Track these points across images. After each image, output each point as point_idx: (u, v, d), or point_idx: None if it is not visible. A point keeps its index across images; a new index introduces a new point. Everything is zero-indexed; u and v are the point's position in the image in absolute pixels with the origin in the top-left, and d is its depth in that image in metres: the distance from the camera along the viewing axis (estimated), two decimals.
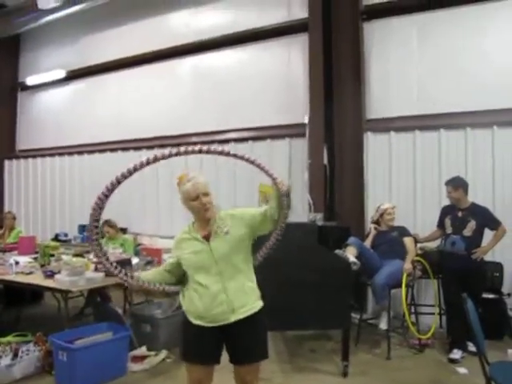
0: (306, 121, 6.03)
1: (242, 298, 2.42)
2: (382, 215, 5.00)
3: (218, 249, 2.41)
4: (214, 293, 2.37)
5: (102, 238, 6.38)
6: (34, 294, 6.07)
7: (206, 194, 2.44)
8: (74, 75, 8.95)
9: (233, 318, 2.38)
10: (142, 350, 4.36)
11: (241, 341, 2.44)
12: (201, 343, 2.44)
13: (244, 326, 2.41)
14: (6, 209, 9.39)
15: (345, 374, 3.98)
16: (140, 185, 7.99)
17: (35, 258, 5.23)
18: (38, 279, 4.50)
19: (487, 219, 4.49)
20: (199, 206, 2.43)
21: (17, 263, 4.87)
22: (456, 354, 4.31)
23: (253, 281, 2.51)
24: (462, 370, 4.06)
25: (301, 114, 6.17)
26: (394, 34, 5.97)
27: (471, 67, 5.47)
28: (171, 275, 2.59)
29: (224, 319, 2.38)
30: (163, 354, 4.37)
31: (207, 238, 2.45)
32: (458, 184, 4.55)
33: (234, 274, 2.41)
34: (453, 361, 4.27)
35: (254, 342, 2.46)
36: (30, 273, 4.71)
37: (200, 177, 2.51)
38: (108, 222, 5.88)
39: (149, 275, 2.64)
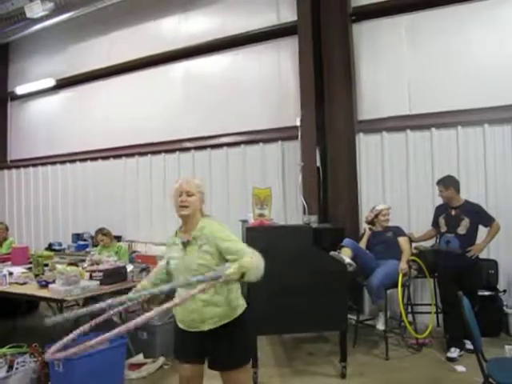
0: (298, 123, 6.04)
1: (212, 309, 2.40)
2: (377, 216, 5.01)
3: (189, 258, 2.43)
4: (190, 303, 2.37)
5: (96, 246, 6.37)
6: (29, 304, 6.03)
7: (190, 194, 2.46)
8: (63, 83, 8.93)
9: (205, 327, 2.42)
10: (139, 358, 4.34)
11: (216, 348, 2.44)
12: (184, 344, 2.51)
13: (219, 334, 2.41)
14: None
15: (343, 376, 3.97)
16: (134, 193, 7.99)
17: (29, 268, 5.19)
18: (32, 289, 4.46)
19: (481, 216, 4.50)
20: (177, 201, 2.47)
21: (10, 274, 4.83)
22: (454, 352, 4.32)
23: (223, 294, 2.42)
24: (460, 368, 4.07)
25: (293, 117, 6.18)
26: (383, 34, 6.01)
27: (461, 66, 5.51)
28: (168, 276, 2.61)
29: (196, 327, 2.44)
30: (160, 360, 4.35)
31: (186, 244, 2.46)
32: (448, 183, 4.57)
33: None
34: (451, 359, 4.27)
35: (228, 350, 2.42)
36: (25, 283, 4.67)
37: (192, 179, 2.56)
38: (102, 231, 5.86)
39: (148, 280, 2.66)
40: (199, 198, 2.52)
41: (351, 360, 4.19)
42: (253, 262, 2.25)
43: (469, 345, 4.29)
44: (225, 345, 2.42)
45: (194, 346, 2.47)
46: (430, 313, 5.05)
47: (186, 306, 2.38)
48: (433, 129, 5.62)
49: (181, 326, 2.51)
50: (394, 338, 4.86)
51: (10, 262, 5.70)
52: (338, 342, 4.15)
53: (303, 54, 6.09)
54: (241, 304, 2.51)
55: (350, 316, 4.70)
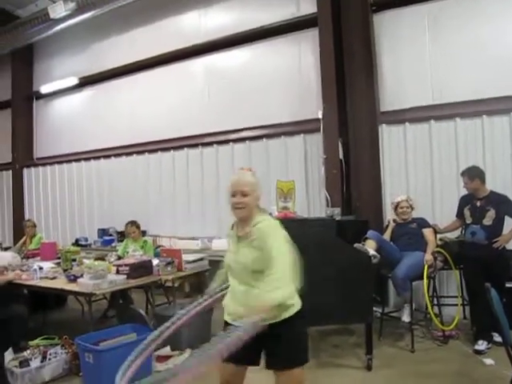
0: (320, 116, 6.02)
1: None
2: (396, 208, 4.98)
3: (242, 253, 2.38)
4: (239, 296, 2.36)
5: (121, 241, 6.48)
6: (58, 298, 6.17)
7: (245, 194, 2.35)
8: (86, 81, 9.07)
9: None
10: (166, 350, 4.40)
11: (276, 345, 2.31)
12: None
13: (279, 330, 2.28)
14: (27, 216, 9.56)
15: (369, 368, 3.97)
16: (157, 188, 8.09)
17: (58, 264, 5.32)
18: (61, 284, 4.59)
19: (507, 207, 4.42)
20: (232, 203, 2.38)
21: (40, 269, 4.96)
22: (481, 345, 4.26)
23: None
24: (489, 361, 4.01)
25: (314, 110, 6.16)
26: (405, 24, 5.92)
27: (485, 53, 5.39)
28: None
29: (240, 318, 2.26)
30: (187, 353, 4.41)
31: (242, 238, 2.40)
32: (473, 174, 4.49)
33: (256, 281, 2.31)
34: (478, 352, 4.21)
35: (289, 347, 2.33)
36: (54, 278, 4.80)
37: (248, 175, 2.43)
38: (135, 223, 5.97)
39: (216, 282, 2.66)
40: (255, 196, 2.39)
41: (377, 352, 4.18)
42: (275, 299, 2.14)
43: (497, 337, 4.23)
44: (285, 341, 2.31)
45: (249, 345, 2.18)
46: (456, 305, 4.99)
47: (238, 298, 2.36)
48: (457, 118, 5.53)
49: (226, 317, 2.43)
50: (420, 330, 4.83)
51: (39, 258, 5.86)
52: (363, 334, 4.16)
53: (324, 45, 6.06)
54: (297, 300, 2.41)
55: (375, 308, 4.68)
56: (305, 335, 2.49)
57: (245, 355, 2.24)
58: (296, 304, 2.40)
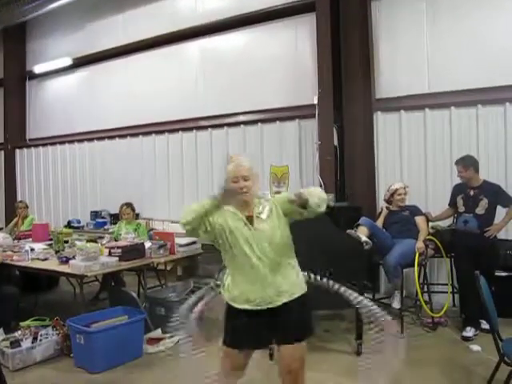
0: (315, 101, 5.99)
1: (287, 281, 2.42)
2: (392, 195, 4.99)
3: (264, 229, 2.40)
4: (263, 278, 2.36)
5: (115, 223, 6.48)
6: (50, 280, 6.17)
7: (247, 179, 2.41)
8: (80, 62, 8.94)
9: (280, 301, 2.37)
10: (158, 333, 4.43)
11: (288, 321, 2.40)
12: (246, 330, 2.41)
13: (292, 306, 2.40)
14: (19, 198, 9.51)
15: (358, 353, 4.02)
16: (151, 171, 8.06)
17: (50, 245, 5.31)
18: (53, 265, 4.59)
19: (499, 197, 4.45)
20: (236, 188, 2.40)
21: (32, 250, 4.95)
22: (469, 331, 4.32)
23: (294, 266, 2.52)
24: (475, 348, 4.07)
25: (310, 95, 6.11)
26: (403, 11, 5.87)
27: (482, 43, 5.36)
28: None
29: (270, 303, 2.37)
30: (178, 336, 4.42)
31: (250, 220, 2.43)
32: (467, 163, 4.50)
33: (277, 257, 2.40)
34: (466, 338, 4.28)
35: (300, 322, 2.45)
36: (45, 259, 4.80)
37: (245, 160, 2.49)
38: (130, 205, 5.97)
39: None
40: (254, 179, 2.47)
41: (366, 338, 4.21)
42: (314, 190, 2.37)
43: (484, 324, 4.30)
44: (297, 316, 2.42)
45: (259, 330, 2.39)
46: (445, 293, 5.04)
47: (262, 281, 2.36)
48: (452, 107, 5.52)
49: (247, 307, 2.39)
50: (410, 316, 4.88)
51: (30, 239, 5.84)
52: (353, 319, 4.19)
53: (321, 31, 5.99)
54: (303, 278, 2.55)
55: (365, 294, 4.71)
56: (311, 310, 2.61)
57: (253, 341, 2.44)
58: (305, 286, 2.52)
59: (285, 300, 2.38)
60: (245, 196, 2.41)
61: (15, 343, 3.89)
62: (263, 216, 2.43)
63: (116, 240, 5.46)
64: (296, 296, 2.42)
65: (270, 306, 2.38)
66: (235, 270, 2.46)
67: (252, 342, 2.45)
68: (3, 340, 3.96)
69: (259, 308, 2.37)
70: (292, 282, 2.44)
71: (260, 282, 2.36)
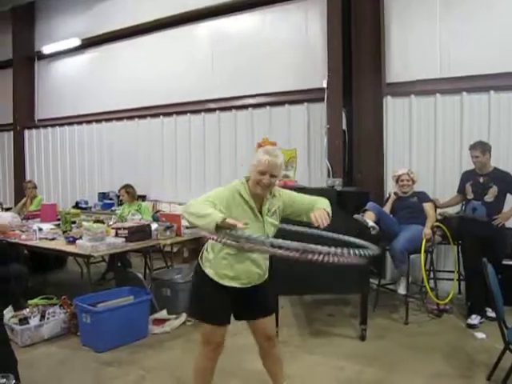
0: (325, 85, 5.92)
1: (266, 265, 2.66)
2: (397, 181, 4.96)
3: (269, 226, 2.52)
4: (256, 262, 2.54)
5: (121, 204, 6.50)
6: (58, 260, 6.23)
7: (274, 176, 2.44)
8: (89, 43, 8.89)
9: (258, 281, 2.62)
10: (163, 314, 4.47)
11: (257, 298, 2.65)
12: (224, 306, 2.58)
13: (260, 286, 2.65)
14: (27, 178, 9.55)
15: (363, 338, 4.03)
16: (159, 153, 8.06)
17: (57, 225, 5.35)
18: (60, 245, 4.62)
19: (510, 185, 4.40)
20: (259, 180, 2.42)
21: (40, 229, 4.99)
22: (474, 319, 4.31)
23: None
24: (480, 335, 4.07)
25: (319, 79, 6.04)
26: None
27: (496, 28, 5.25)
28: None
29: (253, 282, 2.58)
30: (183, 317, 4.47)
31: (260, 210, 2.52)
32: (486, 148, 4.42)
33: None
34: (471, 326, 4.27)
35: (267, 299, 2.75)
36: (53, 239, 4.83)
37: (280, 157, 2.51)
38: (126, 187, 5.98)
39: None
40: (279, 177, 2.54)
41: (371, 323, 4.23)
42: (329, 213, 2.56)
43: (490, 312, 4.29)
44: (268, 293, 2.73)
45: (233, 304, 2.59)
46: (451, 280, 5.02)
47: (257, 261, 2.53)
48: (464, 93, 5.43)
49: (233, 284, 2.53)
50: (415, 303, 4.88)
51: (39, 219, 5.89)
52: (358, 304, 4.20)
53: (332, 13, 5.90)
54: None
55: (371, 280, 4.72)
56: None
57: (229, 316, 2.64)
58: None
59: (260, 281, 2.62)
60: (264, 190, 2.46)
61: (24, 320, 3.94)
62: (269, 214, 2.54)
63: (122, 222, 5.48)
64: (266, 277, 2.69)
65: (250, 285, 2.59)
66: (234, 254, 2.49)
67: (228, 317, 2.63)
68: (12, 317, 4.01)
69: (245, 286, 2.57)
70: (267, 267, 2.67)
71: (255, 266, 2.55)
